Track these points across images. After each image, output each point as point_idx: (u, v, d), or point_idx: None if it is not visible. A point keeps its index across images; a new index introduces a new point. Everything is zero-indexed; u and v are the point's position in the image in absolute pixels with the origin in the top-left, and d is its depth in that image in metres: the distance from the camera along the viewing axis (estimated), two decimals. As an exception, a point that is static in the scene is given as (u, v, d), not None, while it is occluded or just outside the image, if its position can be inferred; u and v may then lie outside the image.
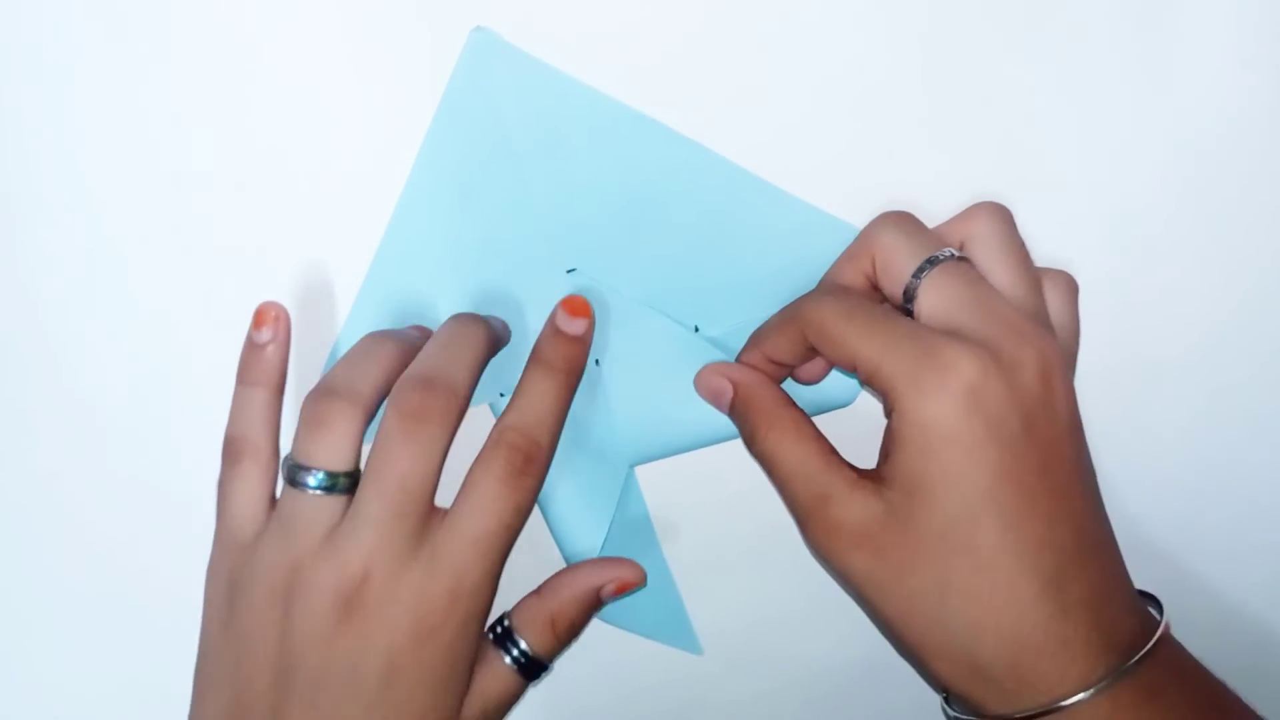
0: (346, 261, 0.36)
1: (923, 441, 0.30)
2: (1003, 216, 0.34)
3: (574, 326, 0.34)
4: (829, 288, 0.35)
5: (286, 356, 0.34)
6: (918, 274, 0.32)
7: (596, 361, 0.37)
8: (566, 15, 0.35)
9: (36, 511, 0.37)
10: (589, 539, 0.36)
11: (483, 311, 0.36)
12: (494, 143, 0.35)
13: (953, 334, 0.30)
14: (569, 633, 0.34)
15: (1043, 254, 0.35)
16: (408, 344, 0.34)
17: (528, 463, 0.32)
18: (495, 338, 0.34)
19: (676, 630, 0.39)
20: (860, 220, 0.36)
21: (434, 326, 0.35)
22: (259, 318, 0.34)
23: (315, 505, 0.31)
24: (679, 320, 0.37)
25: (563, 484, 0.36)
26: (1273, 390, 0.40)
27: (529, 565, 0.35)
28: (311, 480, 0.31)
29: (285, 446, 0.33)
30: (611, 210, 0.36)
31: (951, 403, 0.29)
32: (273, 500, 0.33)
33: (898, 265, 0.32)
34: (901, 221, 0.33)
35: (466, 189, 0.35)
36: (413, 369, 0.32)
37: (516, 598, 0.35)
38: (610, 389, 0.37)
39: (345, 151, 0.35)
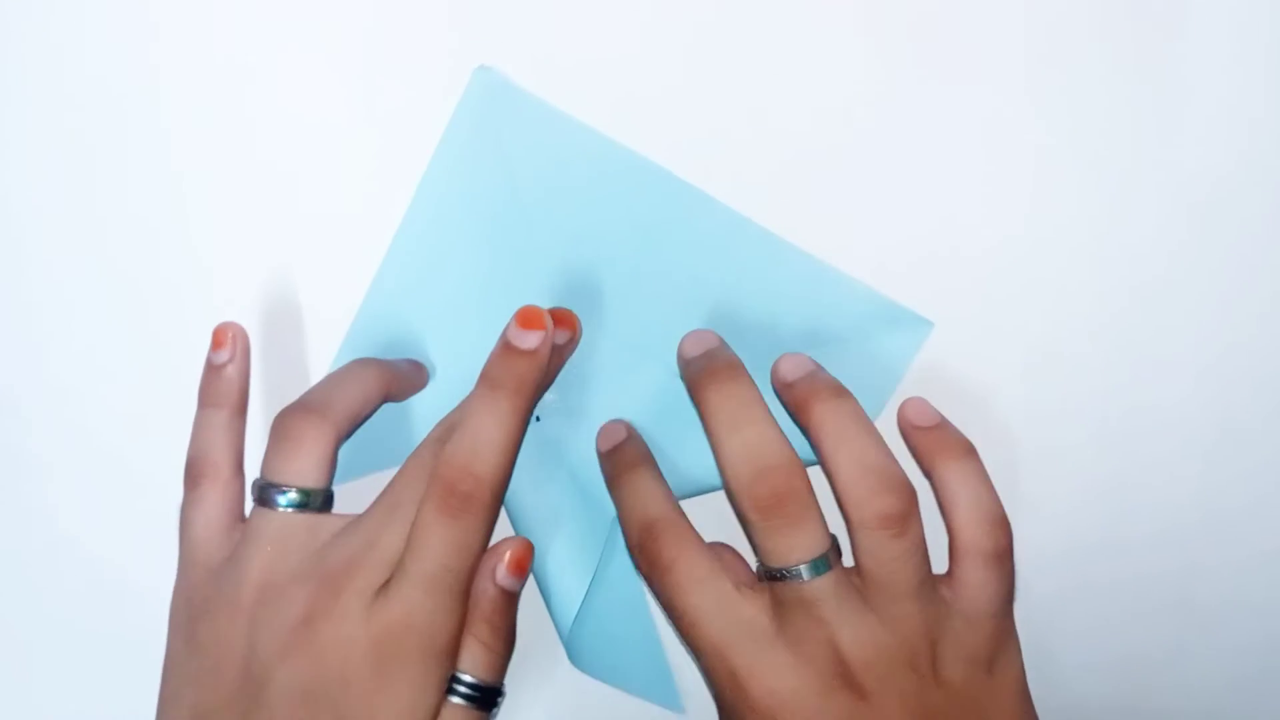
0: (339, 295, 0.36)
1: None
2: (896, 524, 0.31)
3: (526, 340, 0.31)
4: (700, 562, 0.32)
5: (247, 376, 0.34)
6: (775, 574, 0.31)
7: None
8: (569, 52, 0.35)
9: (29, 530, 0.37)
10: (571, 590, 0.36)
11: (474, 350, 0.34)
12: (493, 181, 0.35)
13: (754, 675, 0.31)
14: (496, 639, 0.32)
15: (1041, 303, 0.36)
16: (393, 370, 0.34)
17: (466, 500, 0.30)
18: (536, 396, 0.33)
19: (659, 686, 0.38)
20: (856, 266, 0.36)
21: (425, 361, 0.35)
22: (217, 338, 0.34)
23: (286, 524, 0.31)
24: (671, 363, 0.36)
25: (545, 534, 0.35)
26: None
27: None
28: (283, 499, 0.31)
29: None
30: (608, 252, 0.36)
31: None
32: (238, 520, 0.33)
33: (763, 552, 0.31)
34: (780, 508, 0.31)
35: (463, 226, 0.36)
36: (448, 449, 0.31)
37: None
38: (595, 434, 0.36)
39: (344, 184, 0.36)
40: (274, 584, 0.30)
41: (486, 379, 0.31)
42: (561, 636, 0.36)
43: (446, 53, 0.35)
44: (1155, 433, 0.38)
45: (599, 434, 0.36)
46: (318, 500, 0.31)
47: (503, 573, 0.32)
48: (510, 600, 0.32)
